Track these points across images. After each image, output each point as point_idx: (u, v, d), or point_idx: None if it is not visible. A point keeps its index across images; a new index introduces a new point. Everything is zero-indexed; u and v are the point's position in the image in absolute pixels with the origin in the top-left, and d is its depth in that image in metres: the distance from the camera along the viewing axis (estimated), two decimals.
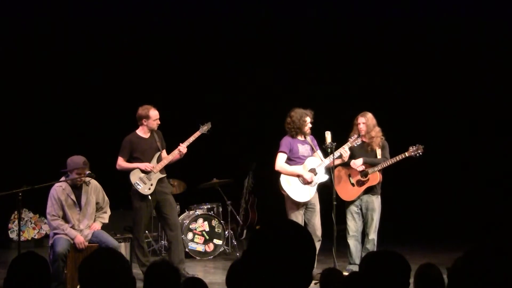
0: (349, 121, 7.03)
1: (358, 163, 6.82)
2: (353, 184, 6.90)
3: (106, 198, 6.35)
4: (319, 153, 6.72)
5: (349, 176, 6.94)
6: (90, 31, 9.93)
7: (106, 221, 6.30)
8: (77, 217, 6.06)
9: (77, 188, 6.10)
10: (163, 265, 3.19)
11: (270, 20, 10.34)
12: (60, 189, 6.02)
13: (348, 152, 6.68)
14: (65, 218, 6.02)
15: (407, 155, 6.74)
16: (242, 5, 10.08)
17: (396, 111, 10.08)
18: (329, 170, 6.63)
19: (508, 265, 1.94)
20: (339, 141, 6.65)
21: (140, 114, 6.72)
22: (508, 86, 10.13)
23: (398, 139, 7.17)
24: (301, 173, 6.59)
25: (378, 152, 6.88)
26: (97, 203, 6.23)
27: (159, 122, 6.76)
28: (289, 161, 6.66)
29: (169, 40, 10.39)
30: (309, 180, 6.57)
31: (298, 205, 6.63)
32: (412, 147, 6.77)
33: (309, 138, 6.77)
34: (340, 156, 6.65)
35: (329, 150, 6.53)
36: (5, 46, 9.59)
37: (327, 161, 6.61)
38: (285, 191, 6.60)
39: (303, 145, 6.72)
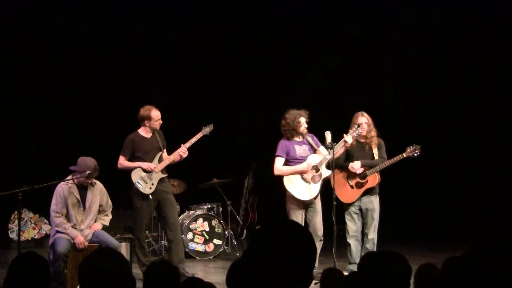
0: (349, 121, 7.01)
1: (356, 167, 6.79)
2: (352, 187, 6.89)
3: (110, 202, 6.35)
4: (322, 149, 6.68)
5: (348, 178, 6.92)
6: (90, 31, 9.93)
7: (107, 224, 6.29)
8: (80, 217, 6.06)
9: (83, 188, 6.10)
10: (163, 265, 3.18)
11: (270, 20, 10.34)
12: (66, 187, 6.02)
13: (351, 140, 6.63)
14: (68, 217, 6.02)
15: (404, 156, 6.74)
16: (242, 4, 10.08)
17: (394, 111, 10.08)
18: (329, 165, 6.60)
19: (504, 265, 1.94)
20: (339, 141, 6.63)
21: (142, 115, 6.72)
22: (507, 84, 10.13)
23: (395, 140, 7.16)
24: (300, 169, 6.56)
25: (375, 151, 6.87)
26: (100, 206, 6.23)
27: (161, 122, 6.76)
28: (288, 163, 6.64)
29: (171, 40, 10.40)
30: (306, 169, 6.53)
31: (299, 204, 6.62)
32: (410, 148, 6.77)
33: (309, 138, 6.75)
34: (344, 143, 6.59)
35: (329, 150, 6.52)
36: (5, 45, 9.59)
37: (329, 157, 6.53)
38: (288, 192, 6.59)
39: (301, 146, 6.69)
